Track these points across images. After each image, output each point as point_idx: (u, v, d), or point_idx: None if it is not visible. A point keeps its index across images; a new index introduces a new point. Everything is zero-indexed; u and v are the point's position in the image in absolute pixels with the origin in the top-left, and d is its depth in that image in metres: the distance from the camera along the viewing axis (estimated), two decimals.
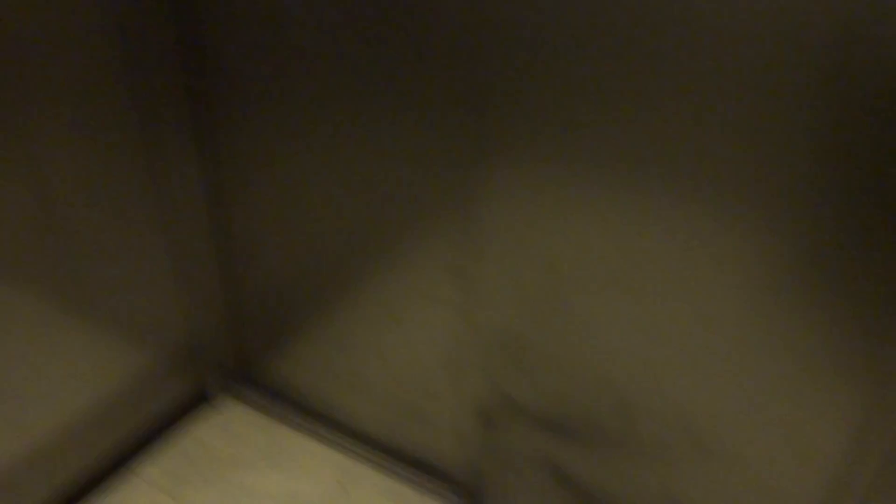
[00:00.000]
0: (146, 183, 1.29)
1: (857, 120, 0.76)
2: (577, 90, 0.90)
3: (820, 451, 0.95)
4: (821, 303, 0.87)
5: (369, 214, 1.20)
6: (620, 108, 0.88)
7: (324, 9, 1.06)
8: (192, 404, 1.56)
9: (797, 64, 0.76)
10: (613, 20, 0.84)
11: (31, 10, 1.03)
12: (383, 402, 1.41)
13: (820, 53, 0.75)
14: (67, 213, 1.17)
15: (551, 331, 1.09)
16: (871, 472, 0.91)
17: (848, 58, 0.73)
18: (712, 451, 1.04)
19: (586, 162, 0.94)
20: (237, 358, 1.61)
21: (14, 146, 1.06)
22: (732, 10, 0.78)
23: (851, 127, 0.76)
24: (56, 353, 1.23)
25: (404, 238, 1.18)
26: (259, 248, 1.39)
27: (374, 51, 1.04)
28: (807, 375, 0.91)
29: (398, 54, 1.02)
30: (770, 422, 0.97)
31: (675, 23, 0.81)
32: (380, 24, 1.01)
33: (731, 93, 0.81)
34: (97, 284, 1.26)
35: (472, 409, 1.27)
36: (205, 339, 1.50)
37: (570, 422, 1.16)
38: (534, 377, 1.15)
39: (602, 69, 0.87)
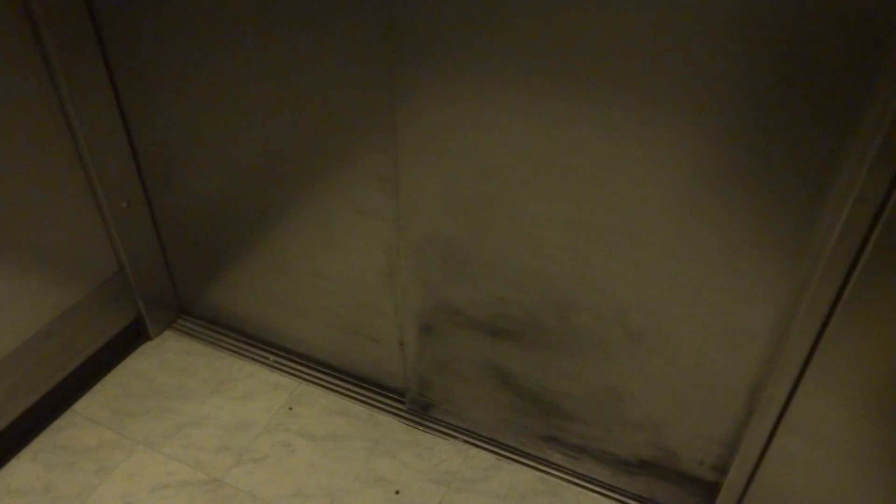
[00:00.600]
0: (55, 108, 1.21)
1: (795, 24, 0.74)
2: None
3: (749, 333, 0.98)
4: (743, 192, 0.87)
5: (292, 130, 1.15)
6: (546, 10, 0.84)
7: None
8: (130, 339, 1.52)
9: None
10: None
11: None
12: (325, 321, 1.40)
13: None
14: None
15: (485, 233, 1.08)
16: (798, 350, 0.94)
17: None
18: (648, 341, 1.06)
19: (513, 62, 0.90)
20: (174, 289, 1.57)
21: None
22: None
23: (789, 29, 0.75)
24: None
25: (331, 151, 1.14)
26: (185, 174, 1.33)
27: None
28: (733, 261, 0.93)
29: None
30: (701, 308, 0.99)
31: None
32: None
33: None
34: (13, 219, 1.20)
35: (413, 319, 1.27)
36: (137, 271, 1.45)
37: (509, 323, 1.17)
38: (471, 281, 1.15)
39: None
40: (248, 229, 1.35)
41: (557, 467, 1.31)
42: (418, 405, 1.39)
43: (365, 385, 1.45)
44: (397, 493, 1.27)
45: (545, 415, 1.26)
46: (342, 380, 1.46)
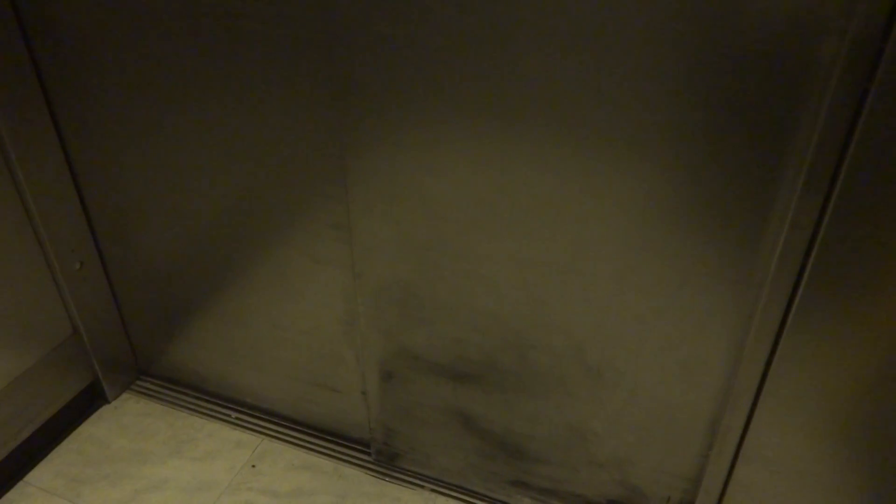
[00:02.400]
0: (1, 169, 1.20)
1: (722, 62, 0.78)
2: (440, 39, 0.88)
3: (703, 364, 0.99)
4: (687, 224, 0.89)
5: (245, 183, 1.15)
6: (486, 56, 0.87)
7: None
8: (86, 403, 1.48)
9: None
10: None
11: None
12: (286, 373, 1.38)
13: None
14: None
15: (439, 276, 1.09)
16: (750, 379, 0.95)
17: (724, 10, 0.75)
18: (606, 377, 1.07)
19: (458, 108, 0.92)
20: (131, 349, 1.54)
21: None
22: None
23: (718, 67, 0.78)
24: None
25: (285, 203, 1.15)
26: (140, 231, 1.32)
27: (237, 28, 0.99)
28: (682, 292, 0.94)
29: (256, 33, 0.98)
30: (655, 341, 1.00)
31: None
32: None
33: (602, 36, 0.81)
34: None
35: (374, 366, 1.25)
36: (92, 333, 1.42)
37: (469, 366, 1.17)
38: (428, 325, 1.15)
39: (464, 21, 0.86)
40: (205, 284, 1.34)
41: None
42: (384, 455, 1.37)
43: (329, 438, 1.43)
44: None
45: (511, 458, 1.25)
46: (306, 433, 1.44)
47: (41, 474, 1.36)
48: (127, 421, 1.47)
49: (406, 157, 0.99)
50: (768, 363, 0.91)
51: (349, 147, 1.02)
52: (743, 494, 1.02)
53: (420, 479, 1.35)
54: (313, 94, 1.01)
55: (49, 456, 1.39)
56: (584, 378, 1.09)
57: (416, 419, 1.28)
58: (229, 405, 1.50)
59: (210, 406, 1.50)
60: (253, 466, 1.38)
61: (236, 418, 1.47)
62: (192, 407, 1.50)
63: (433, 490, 1.33)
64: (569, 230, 0.96)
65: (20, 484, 1.34)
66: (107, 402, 1.51)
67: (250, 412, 1.48)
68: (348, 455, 1.39)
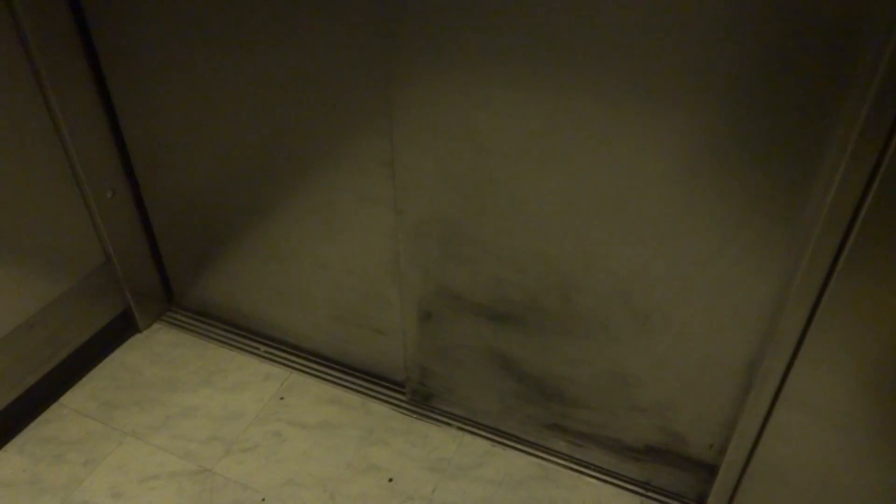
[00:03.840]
0: (37, 98, 1.19)
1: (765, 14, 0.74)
2: None
3: (757, 307, 0.95)
4: (741, 166, 0.85)
5: (289, 116, 1.13)
6: None
7: None
8: (119, 331, 1.50)
9: None
10: None
11: None
12: (323, 310, 1.38)
13: None
14: None
15: (485, 214, 1.06)
16: (795, 322, 0.92)
17: None
18: (653, 322, 1.04)
19: (509, 37, 0.88)
20: (164, 279, 1.54)
21: None
22: None
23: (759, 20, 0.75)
24: None
25: (330, 136, 1.12)
26: (176, 163, 1.31)
27: None
28: (735, 234, 0.91)
29: None
30: (709, 285, 0.97)
31: None
32: None
33: None
34: None
35: (413, 306, 1.24)
36: (125, 262, 1.43)
37: (511, 307, 1.15)
38: (471, 265, 1.13)
39: None
40: (242, 219, 1.33)
41: (557, 454, 1.29)
42: (419, 395, 1.36)
43: (360, 374, 1.43)
44: (391, 480, 1.25)
45: (549, 401, 1.23)
46: (335, 369, 1.44)
47: (75, 397, 1.38)
48: (159, 350, 1.48)
49: (453, 89, 0.95)
50: (816, 304, 0.88)
51: (394, 77, 0.98)
52: (779, 438, 1.00)
53: (449, 418, 1.35)
54: (358, 21, 0.97)
55: (83, 380, 1.41)
56: (630, 322, 1.06)
57: (450, 359, 1.27)
58: (259, 339, 1.50)
59: (240, 339, 1.51)
60: (281, 398, 1.39)
61: (265, 352, 1.48)
62: (223, 339, 1.51)
63: (460, 428, 1.33)
64: (621, 168, 0.92)
65: (55, 405, 1.36)
66: (139, 331, 1.52)
67: (280, 346, 1.49)
68: (377, 391, 1.40)
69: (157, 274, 1.53)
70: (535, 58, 0.88)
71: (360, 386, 1.41)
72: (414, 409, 1.37)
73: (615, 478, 1.26)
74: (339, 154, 1.13)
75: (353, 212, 1.19)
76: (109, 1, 1.15)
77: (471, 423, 1.34)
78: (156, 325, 1.54)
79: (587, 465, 1.27)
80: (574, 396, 1.20)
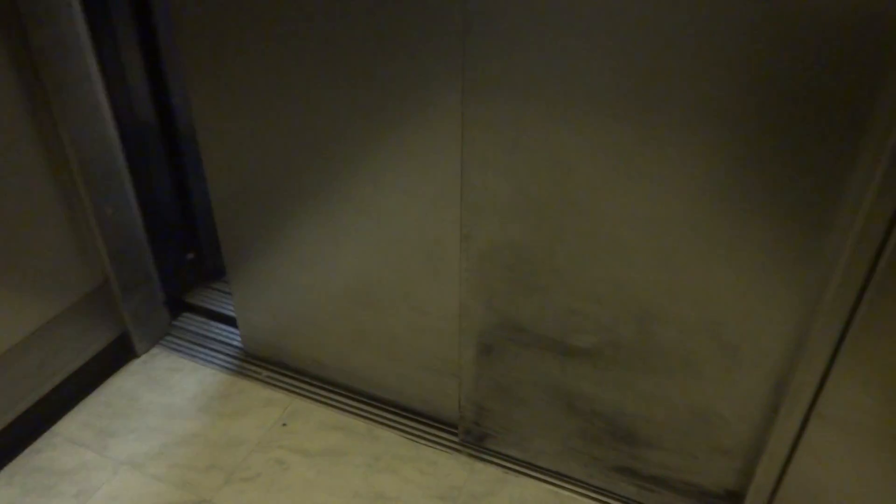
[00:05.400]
0: (39, 109, 1.16)
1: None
2: None
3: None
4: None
5: (357, 116, 1.04)
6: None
7: None
8: (115, 355, 1.45)
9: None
10: None
11: None
12: (363, 340, 1.30)
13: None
14: None
15: (559, 239, 0.98)
16: (829, 336, 0.87)
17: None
18: (742, 355, 0.96)
19: (592, 49, 0.84)
20: (165, 303, 1.50)
21: None
22: None
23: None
24: None
25: (389, 148, 1.05)
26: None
27: None
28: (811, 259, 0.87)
29: None
30: (769, 315, 0.92)
31: None
32: None
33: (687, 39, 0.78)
34: None
35: (472, 339, 1.15)
36: (123, 284, 1.38)
37: (583, 340, 1.06)
38: (540, 295, 1.04)
39: None
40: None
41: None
42: (473, 435, 1.27)
43: (400, 411, 1.35)
44: None
45: (619, 442, 1.15)
46: (338, 393, 1.38)
47: (69, 425, 1.32)
48: (156, 375, 1.43)
49: (534, 104, 0.90)
50: (850, 319, 0.84)
51: (469, 91, 0.92)
52: (811, 458, 0.94)
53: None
54: (435, 27, 0.91)
55: (77, 407, 1.36)
56: (717, 356, 0.98)
57: (513, 397, 1.19)
58: (262, 364, 1.45)
59: (241, 364, 1.45)
60: (284, 425, 1.33)
61: (267, 376, 1.42)
62: (223, 364, 1.46)
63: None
64: (717, 184, 0.86)
65: (47, 434, 1.30)
66: (136, 356, 1.47)
67: (283, 371, 1.43)
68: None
69: (157, 297, 1.48)
70: (621, 71, 0.84)
71: (364, 411, 1.35)
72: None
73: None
74: (401, 166, 1.06)
75: (411, 230, 1.11)
76: None
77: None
78: (154, 350, 1.49)
79: (602, 492, 1.21)
80: (648, 437, 1.12)
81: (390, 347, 1.27)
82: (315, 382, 1.41)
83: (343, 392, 1.38)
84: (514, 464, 1.25)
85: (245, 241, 1.28)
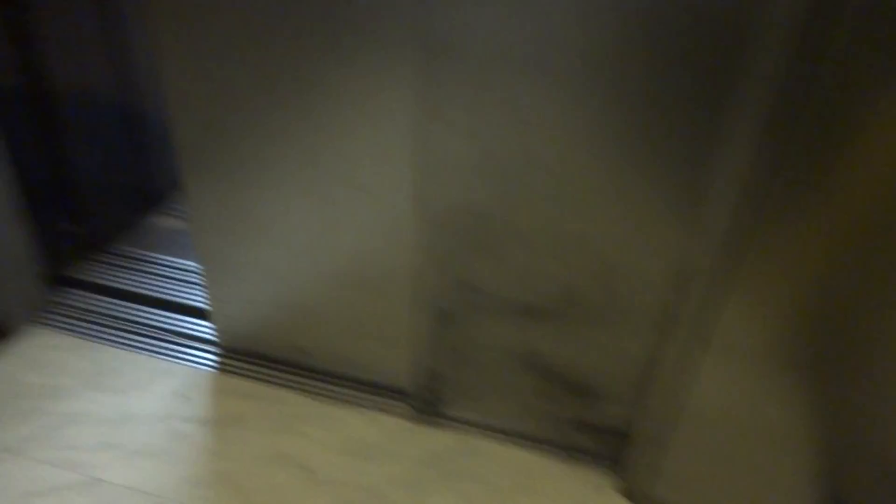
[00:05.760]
0: None
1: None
2: None
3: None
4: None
5: (302, 71, 0.98)
6: None
7: None
8: None
9: None
10: None
11: None
12: (306, 309, 1.23)
13: None
14: None
15: (523, 199, 0.96)
16: (720, 268, 0.89)
17: None
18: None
19: None
20: (44, 280, 1.39)
21: None
22: None
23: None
24: None
25: (349, 95, 0.98)
26: None
27: None
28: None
29: None
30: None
31: None
32: None
33: None
34: None
35: (425, 304, 1.12)
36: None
37: (544, 301, 1.05)
38: (500, 257, 1.02)
39: None
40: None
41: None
42: (426, 402, 1.25)
43: (347, 382, 1.31)
44: (306, 469, 1.15)
45: (577, 397, 1.15)
46: (243, 361, 1.33)
47: None
48: (34, 354, 1.33)
49: (499, 60, 0.87)
50: (739, 253, 0.86)
51: (430, 48, 0.88)
52: (706, 386, 0.97)
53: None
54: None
55: None
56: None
57: (468, 361, 1.17)
58: (166, 338, 1.38)
59: (130, 337, 1.37)
60: (182, 396, 1.27)
61: (163, 348, 1.35)
62: (110, 339, 1.37)
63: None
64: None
65: None
66: (14, 336, 1.36)
67: (187, 345, 1.36)
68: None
69: (38, 271, 1.37)
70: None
71: (275, 377, 1.31)
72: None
73: (541, 443, 1.22)
74: (355, 120, 0.99)
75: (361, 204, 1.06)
76: None
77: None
78: (30, 328, 1.39)
79: (504, 432, 1.22)
80: (606, 390, 1.13)
81: (338, 316, 1.22)
82: (215, 351, 1.35)
83: (248, 360, 1.33)
84: (471, 426, 1.25)
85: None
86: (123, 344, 1.36)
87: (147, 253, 1.56)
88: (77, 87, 1.40)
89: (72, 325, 1.39)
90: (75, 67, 1.39)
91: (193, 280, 1.49)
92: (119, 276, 1.49)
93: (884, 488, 0.98)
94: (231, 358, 1.34)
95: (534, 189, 0.95)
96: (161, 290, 1.47)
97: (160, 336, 1.38)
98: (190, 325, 1.40)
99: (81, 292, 1.46)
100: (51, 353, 1.33)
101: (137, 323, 1.39)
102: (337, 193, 1.06)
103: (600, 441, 1.19)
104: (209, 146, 1.08)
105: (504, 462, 1.19)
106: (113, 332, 1.38)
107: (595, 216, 0.95)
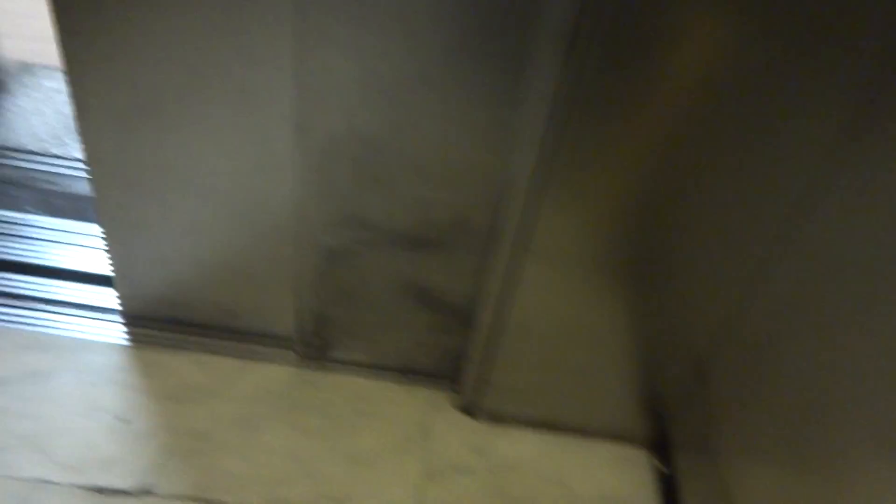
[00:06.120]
0: None
1: None
2: None
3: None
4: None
5: None
6: None
7: None
8: None
9: None
10: None
11: None
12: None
13: None
14: None
15: (409, 123, 0.90)
16: (534, 179, 0.90)
17: None
18: None
19: None
20: None
21: None
22: None
23: None
24: None
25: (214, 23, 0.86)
26: None
27: None
28: None
29: None
30: None
31: None
32: None
33: None
34: None
35: (310, 244, 1.04)
36: None
37: (435, 231, 1.01)
38: (391, 188, 0.96)
39: None
40: None
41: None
42: (313, 348, 1.17)
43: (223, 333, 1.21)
44: (122, 419, 1.07)
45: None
46: (34, 309, 1.20)
47: None
48: None
49: None
50: (549, 165, 0.86)
51: None
52: (526, 293, 0.99)
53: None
54: None
55: None
56: None
57: (358, 301, 1.12)
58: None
59: None
60: None
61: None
62: None
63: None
64: None
65: None
66: None
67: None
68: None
69: None
70: None
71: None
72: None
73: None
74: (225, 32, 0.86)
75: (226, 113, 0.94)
76: None
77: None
78: None
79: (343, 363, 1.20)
80: None
81: (223, 266, 1.11)
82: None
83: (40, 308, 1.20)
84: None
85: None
86: None
87: None
88: None
89: None
90: None
91: None
92: None
93: (693, 377, 1.06)
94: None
95: (423, 111, 0.90)
96: None
97: None
98: None
99: None
100: None
101: None
102: (220, 123, 0.95)
103: (445, 361, 1.19)
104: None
105: (343, 392, 1.17)
106: None
107: (488, 142, 0.93)
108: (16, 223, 1.34)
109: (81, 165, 1.25)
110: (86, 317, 1.20)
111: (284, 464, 1.07)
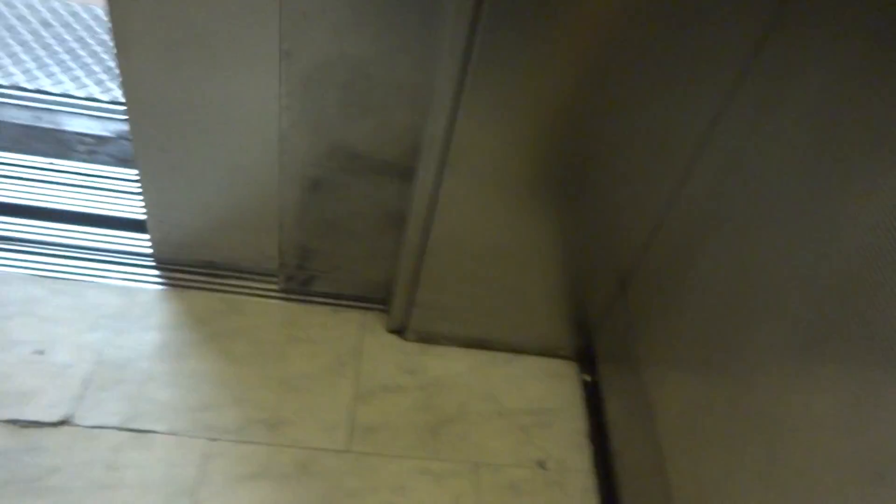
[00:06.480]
0: None
1: None
2: None
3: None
4: None
5: None
6: None
7: None
8: None
9: None
10: None
11: None
12: None
13: None
14: None
15: (405, 49, 0.86)
16: (449, 94, 0.87)
17: None
18: None
19: None
20: None
21: None
22: None
23: None
24: None
25: None
26: None
27: None
28: None
29: None
30: None
31: None
32: None
33: None
34: None
35: (294, 175, 1.00)
36: None
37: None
38: (379, 115, 0.92)
39: None
40: None
41: None
42: (296, 281, 1.14)
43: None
44: (41, 353, 1.03)
45: None
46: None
47: None
48: None
49: None
50: (463, 78, 0.83)
51: None
52: (450, 209, 0.98)
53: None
54: None
55: None
56: None
57: (343, 232, 1.09)
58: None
59: None
60: None
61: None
62: None
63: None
64: None
65: None
66: None
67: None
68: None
69: None
70: None
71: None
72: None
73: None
74: None
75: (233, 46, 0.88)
76: None
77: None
78: None
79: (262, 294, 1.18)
80: None
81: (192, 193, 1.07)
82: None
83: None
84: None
85: None
86: None
87: None
88: None
89: None
90: None
91: None
92: None
93: (617, 289, 1.07)
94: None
95: (414, 34, 0.86)
96: None
97: None
98: None
99: None
100: None
101: None
102: (218, 57, 0.90)
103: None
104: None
105: (274, 317, 1.16)
106: None
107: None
108: None
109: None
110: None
111: (213, 390, 1.06)
